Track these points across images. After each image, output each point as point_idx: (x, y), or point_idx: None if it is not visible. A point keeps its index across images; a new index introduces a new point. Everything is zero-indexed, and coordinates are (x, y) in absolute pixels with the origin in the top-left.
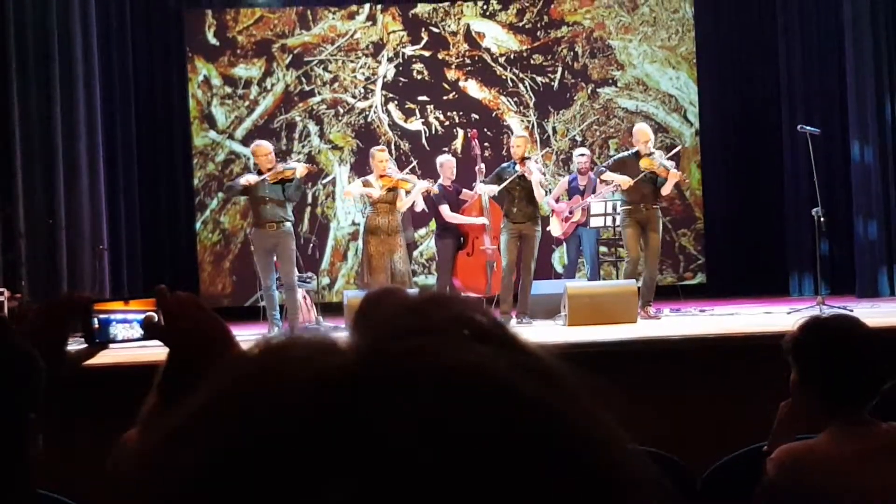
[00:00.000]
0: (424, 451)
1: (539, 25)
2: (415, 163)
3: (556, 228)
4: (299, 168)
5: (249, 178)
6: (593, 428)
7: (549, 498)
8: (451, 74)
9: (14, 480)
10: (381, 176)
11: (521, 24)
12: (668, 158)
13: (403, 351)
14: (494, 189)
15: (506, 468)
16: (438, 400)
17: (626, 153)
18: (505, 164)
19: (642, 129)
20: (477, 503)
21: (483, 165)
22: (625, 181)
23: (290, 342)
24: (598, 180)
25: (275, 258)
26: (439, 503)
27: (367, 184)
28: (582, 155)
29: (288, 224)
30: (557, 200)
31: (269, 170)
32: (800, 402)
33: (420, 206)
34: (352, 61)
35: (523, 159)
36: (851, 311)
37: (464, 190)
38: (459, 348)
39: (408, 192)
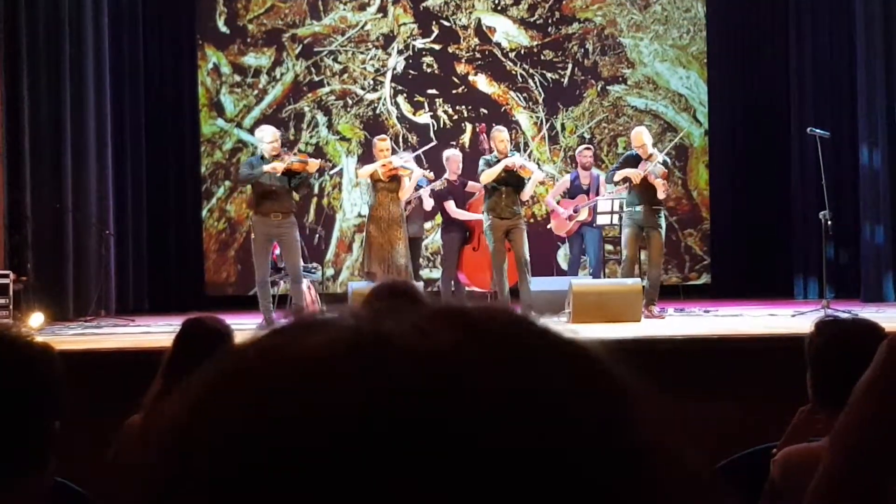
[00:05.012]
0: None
1: (550, 21)
2: (418, 151)
3: (556, 227)
4: (312, 163)
5: (276, 166)
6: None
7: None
8: (461, 68)
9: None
10: (384, 165)
11: (532, 20)
12: (667, 154)
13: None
14: (496, 171)
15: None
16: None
17: (630, 153)
18: (487, 157)
19: (635, 134)
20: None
21: None
22: (635, 174)
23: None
24: (601, 180)
25: (274, 249)
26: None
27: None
28: (587, 148)
29: (292, 215)
30: (563, 196)
31: (276, 156)
32: (814, 403)
33: (429, 204)
34: (362, 53)
35: (506, 156)
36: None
37: (469, 182)
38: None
39: (409, 179)
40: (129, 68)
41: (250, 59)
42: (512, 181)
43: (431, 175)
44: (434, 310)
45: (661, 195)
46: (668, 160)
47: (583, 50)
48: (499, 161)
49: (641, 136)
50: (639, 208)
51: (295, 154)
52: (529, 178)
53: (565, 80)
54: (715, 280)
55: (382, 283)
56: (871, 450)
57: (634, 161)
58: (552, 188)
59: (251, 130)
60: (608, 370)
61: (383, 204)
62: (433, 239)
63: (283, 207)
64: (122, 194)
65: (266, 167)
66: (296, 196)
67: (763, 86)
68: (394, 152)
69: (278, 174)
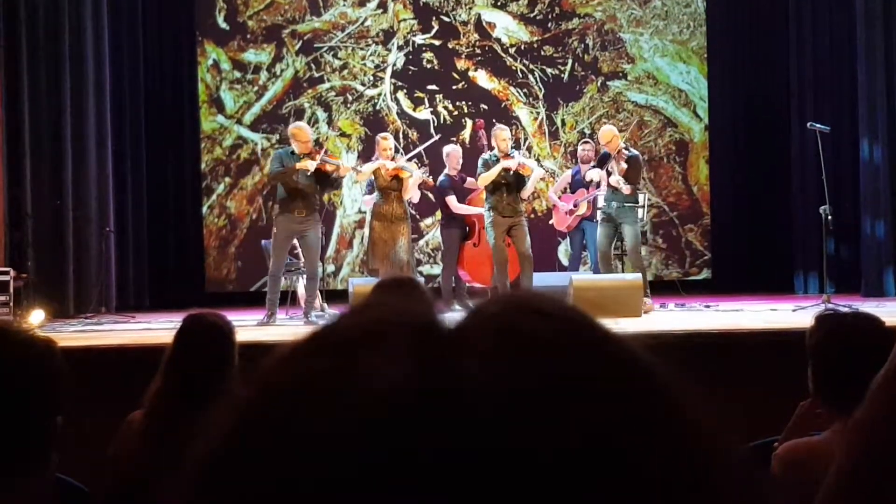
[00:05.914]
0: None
1: (550, 17)
2: (419, 149)
3: (557, 222)
4: (344, 167)
5: (308, 164)
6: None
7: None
8: (461, 64)
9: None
10: (384, 166)
11: (531, 15)
12: (628, 149)
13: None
14: (493, 173)
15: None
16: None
17: (604, 151)
18: (486, 156)
19: (600, 133)
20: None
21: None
22: (596, 174)
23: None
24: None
25: (292, 245)
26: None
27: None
28: (586, 142)
29: (316, 213)
30: (564, 191)
31: (308, 155)
32: (815, 397)
33: (416, 197)
34: (361, 49)
35: (507, 154)
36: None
37: (468, 179)
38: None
39: (410, 181)
40: (129, 65)
41: (250, 56)
42: (512, 180)
43: (429, 178)
44: (490, 323)
45: (625, 191)
46: (637, 154)
47: (583, 45)
48: (497, 161)
49: (606, 135)
50: (613, 204)
51: (326, 153)
52: (530, 177)
53: (565, 76)
54: (715, 275)
55: (386, 278)
56: (886, 448)
57: (608, 158)
58: (553, 184)
59: (251, 127)
60: (654, 369)
61: (387, 200)
62: (433, 235)
63: (308, 205)
64: (122, 191)
65: (298, 164)
66: (318, 194)
67: (763, 81)
68: (395, 150)
69: (309, 172)
